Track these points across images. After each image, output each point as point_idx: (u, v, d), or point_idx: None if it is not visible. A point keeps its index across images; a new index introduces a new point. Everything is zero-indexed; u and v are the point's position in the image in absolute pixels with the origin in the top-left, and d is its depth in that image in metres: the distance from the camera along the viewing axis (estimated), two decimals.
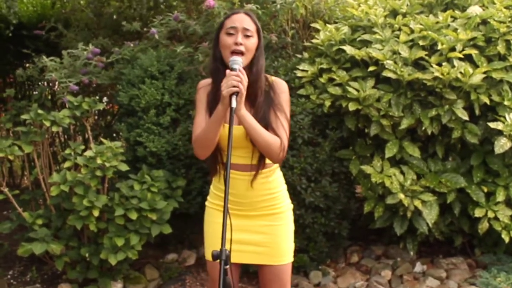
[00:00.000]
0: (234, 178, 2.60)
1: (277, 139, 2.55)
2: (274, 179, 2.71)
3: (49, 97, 5.94)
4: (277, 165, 2.72)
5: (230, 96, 2.40)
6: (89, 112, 4.39)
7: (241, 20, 2.57)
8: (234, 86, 2.38)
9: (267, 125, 2.57)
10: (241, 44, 2.53)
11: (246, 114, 2.49)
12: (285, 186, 2.79)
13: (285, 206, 2.76)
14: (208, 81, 2.73)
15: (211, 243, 2.72)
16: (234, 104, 2.40)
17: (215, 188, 2.77)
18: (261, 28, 2.64)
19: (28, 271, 4.48)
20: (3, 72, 6.46)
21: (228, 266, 2.27)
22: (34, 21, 5.89)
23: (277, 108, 2.62)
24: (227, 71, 2.45)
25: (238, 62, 2.49)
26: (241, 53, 2.53)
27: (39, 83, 5.80)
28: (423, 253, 4.64)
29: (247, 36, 2.55)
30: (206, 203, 2.83)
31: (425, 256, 4.58)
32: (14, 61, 6.18)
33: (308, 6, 4.80)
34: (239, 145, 2.58)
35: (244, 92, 2.41)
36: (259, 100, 2.60)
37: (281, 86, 2.68)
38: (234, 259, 2.57)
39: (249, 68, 2.60)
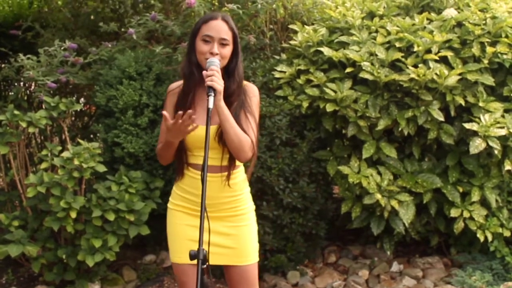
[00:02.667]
0: (198, 179, 2.59)
1: (248, 138, 2.57)
2: (239, 181, 2.73)
3: (25, 97, 5.89)
4: (241, 167, 2.74)
5: (208, 96, 2.42)
6: (66, 113, 4.36)
7: (218, 30, 2.57)
8: (211, 82, 2.43)
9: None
10: (217, 54, 2.56)
11: (224, 106, 2.51)
12: (248, 188, 2.81)
13: (249, 207, 2.78)
14: (177, 83, 2.75)
15: (179, 245, 2.70)
16: (211, 105, 2.42)
17: (179, 189, 2.76)
18: (237, 32, 2.64)
19: (4, 273, 4.42)
20: None
21: (205, 266, 2.29)
22: (10, 20, 5.82)
23: (247, 111, 2.64)
24: (203, 72, 2.48)
25: (216, 64, 2.51)
26: None
27: (15, 84, 5.75)
28: (400, 252, 4.69)
29: (223, 45, 2.58)
30: (169, 204, 2.81)
31: (402, 256, 4.64)
32: None
33: (288, 7, 4.82)
34: (209, 145, 2.58)
35: (221, 86, 2.45)
36: (234, 106, 2.62)
37: (253, 90, 2.71)
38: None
39: (227, 76, 2.62)
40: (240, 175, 2.75)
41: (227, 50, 2.59)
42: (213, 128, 2.56)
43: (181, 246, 2.67)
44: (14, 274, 4.39)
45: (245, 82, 2.72)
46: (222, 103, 2.49)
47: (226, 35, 2.57)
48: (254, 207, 2.82)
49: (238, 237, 2.72)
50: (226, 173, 2.66)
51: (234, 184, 2.69)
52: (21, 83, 5.75)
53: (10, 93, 6.08)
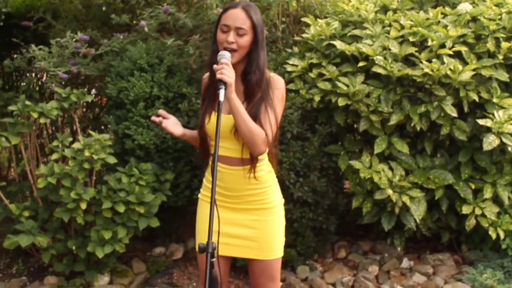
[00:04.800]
0: (221, 171, 2.60)
1: (262, 131, 2.55)
2: (264, 174, 2.70)
3: (37, 88, 5.90)
4: (265, 160, 2.72)
5: (218, 88, 2.42)
6: (77, 104, 4.36)
7: (235, 18, 2.55)
8: (220, 75, 2.43)
9: (256, 119, 2.57)
10: (232, 42, 2.54)
11: (236, 98, 2.50)
12: (275, 181, 2.79)
13: (276, 201, 2.76)
14: None
15: (201, 236, 2.71)
16: (222, 98, 2.42)
17: (206, 180, 2.81)
18: (258, 21, 2.59)
19: (14, 263, 4.44)
20: None
21: (214, 259, 2.28)
22: (22, 11, 5.81)
23: (268, 104, 2.61)
24: (214, 65, 2.48)
25: (226, 57, 2.50)
26: (233, 50, 2.54)
27: (27, 74, 5.75)
28: (410, 249, 4.66)
29: (240, 34, 2.54)
30: (199, 195, 2.85)
31: (412, 252, 4.61)
32: (2, 52, 6.10)
33: (300, 0, 4.79)
34: (224, 135, 2.58)
35: (232, 82, 2.44)
36: (256, 98, 2.61)
37: (278, 82, 2.67)
38: (222, 252, 2.58)
39: (249, 65, 2.61)
40: (265, 168, 2.73)
41: (245, 40, 2.56)
42: (230, 119, 2.55)
43: (205, 236, 2.64)
44: (24, 264, 4.40)
45: (271, 74, 2.69)
46: (234, 95, 2.48)
47: (243, 24, 2.54)
48: (283, 200, 2.81)
49: (262, 231, 2.71)
50: (248, 166, 2.64)
51: (258, 177, 2.67)
52: (33, 74, 5.77)
53: (22, 84, 6.09)
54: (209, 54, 2.71)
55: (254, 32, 2.57)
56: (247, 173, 2.64)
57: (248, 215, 2.69)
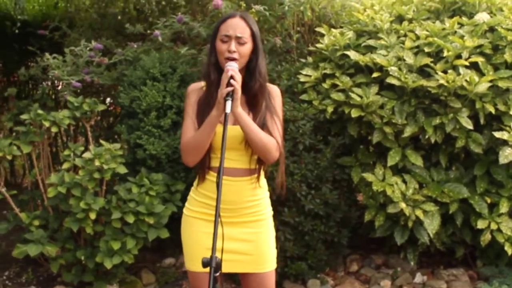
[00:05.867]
0: (223, 183, 2.53)
1: (273, 139, 2.55)
2: (262, 184, 2.68)
3: (53, 96, 5.93)
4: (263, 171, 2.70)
5: (225, 100, 2.37)
6: (91, 113, 4.36)
7: (235, 28, 2.53)
8: (229, 86, 2.38)
9: (263, 128, 2.56)
10: (234, 51, 2.52)
11: (242, 112, 2.48)
12: (268, 193, 2.75)
13: (267, 213, 2.73)
14: (199, 84, 2.70)
15: (195, 253, 2.63)
16: (228, 109, 2.38)
17: (197, 195, 2.69)
18: (257, 30, 2.58)
19: (24, 272, 4.43)
20: (7, 71, 6.44)
21: (218, 274, 2.23)
22: (39, 20, 5.87)
23: (272, 112, 2.62)
24: (223, 76, 2.44)
25: (234, 67, 2.46)
26: (234, 59, 2.52)
27: (43, 83, 5.78)
28: (424, 263, 4.56)
29: (241, 43, 2.53)
30: (185, 211, 2.73)
31: (426, 267, 4.50)
32: (19, 60, 6.15)
33: (315, 9, 4.75)
34: (232, 146, 2.55)
35: (239, 92, 2.41)
36: (261, 107, 2.60)
37: (275, 91, 2.70)
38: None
39: (249, 74, 2.58)
40: (262, 177, 2.71)
41: (245, 48, 2.54)
42: (238, 130, 2.52)
43: (198, 254, 2.54)
44: (34, 274, 4.40)
45: (267, 84, 2.67)
46: (240, 110, 2.45)
47: (243, 33, 2.53)
48: (272, 212, 2.76)
49: (257, 243, 2.67)
50: (255, 175, 2.62)
51: (257, 188, 2.65)
52: (49, 83, 5.79)
53: (37, 92, 6.12)
54: (205, 66, 2.67)
55: (253, 41, 2.57)
56: (252, 183, 2.61)
57: (243, 228, 2.64)
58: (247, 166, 2.61)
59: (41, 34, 5.25)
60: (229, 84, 2.39)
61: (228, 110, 2.38)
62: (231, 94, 2.39)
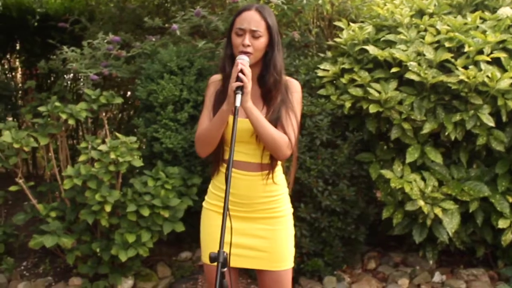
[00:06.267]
0: (235, 177, 2.52)
1: (284, 136, 2.49)
2: (278, 180, 2.62)
3: (74, 89, 5.96)
4: (279, 166, 2.64)
5: (235, 94, 2.34)
6: (110, 106, 4.35)
7: (250, 21, 2.49)
8: (238, 80, 2.34)
9: (277, 123, 2.51)
10: (248, 45, 2.48)
11: (252, 107, 2.43)
12: (287, 190, 2.70)
13: (286, 210, 2.67)
14: (219, 76, 2.68)
15: (210, 246, 2.62)
16: (238, 103, 2.35)
17: (214, 188, 2.68)
18: (273, 23, 2.54)
19: (42, 263, 4.47)
20: (30, 64, 6.50)
21: (225, 269, 2.20)
22: (61, 13, 5.90)
23: (289, 108, 2.56)
24: (233, 70, 2.41)
25: (245, 61, 2.43)
26: (249, 54, 2.48)
27: (65, 75, 5.81)
28: (444, 262, 4.47)
29: (256, 37, 2.49)
30: (204, 203, 2.73)
31: (446, 266, 4.42)
32: (41, 53, 6.19)
33: (335, 3, 4.68)
34: (243, 139, 2.51)
35: (249, 86, 2.37)
36: (276, 102, 2.55)
37: (295, 86, 2.63)
38: (232, 263, 2.50)
39: (265, 67, 2.55)
40: (279, 174, 2.65)
41: (260, 42, 2.50)
42: (248, 123, 2.48)
43: (213, 247, 2.54)
44: (51, 265, 4.43)
45: (287, 78, 2.63)
46: (250, 104, 2.41)
47: (258, 26, 2.48)
48: (292, 210, 2.72)
49: (273, 241, 2.62)
50: (266, 171, 2.57)
51: (272, 184, 2.60)
52: (70, 76, 5.83)
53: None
54: (222, 58, 2.64)
55: (269, 34, 2.51)
56: (265, 179, 2.57)
57: (258, 224, 2.60)
58: (259, 160, 2.57)
59: (62, 27, 5.27)
60: (238, 79, 2.36)
61: (237, 103, 2.35)
62: (241, 88, 2.36)
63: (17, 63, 6.87)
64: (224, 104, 2.43)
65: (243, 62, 2.41)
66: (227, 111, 2.43)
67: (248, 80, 2.36)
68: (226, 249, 2.19)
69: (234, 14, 2.60)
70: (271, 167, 2.58)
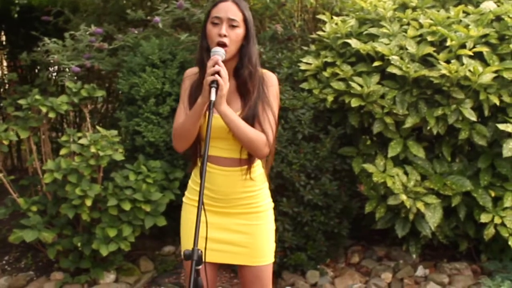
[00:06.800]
0: (213, 173, 2.50)
1: (261, 135, 2.45)
2: (257, 175, 2.60)
3: (58, 82, 5.90)
4: (259, 162, 2.61)
5: (210, 87, 2.30)
6: (91, 99, 4.32)
7: (227, 10, 2.45)
8: (212, 74, 2.28)
9: (254, 120, 2.47)
10: (225, 35, 2.42)
11: (227, 110, 2.37)
12: (266, 184, 2.67)
13: (266, 205, 2.64)
14: (194, 69, 2.62)
15: (187, 242, 2.61)
16: (213, 97, 2.30)
17: (193, 183, 2.66)
18: (249, 15, 2.50)
19: (24, 257, 4.44)
20: (13, 56, 6.44)
21: (200, 267, 2.18)
22: (44, 4, 5.83)
23: (265, 102, 2.51)
24: (208, 63, 2.35)
25: (220, 53, 2.38)
26: (224, 45, 2.43)
27: (49, 68, 5.75)
28: (427, 256, 4.47)
29: (233, 27, 2.44)
30: (184, 198, 2.71)
31: (429, 260, 4.42)
32: (24, 45, 6.13)
33: None
34: (220, 136, 2.47)
35: (225, 85, 2.31)
36: (253, 96, 2.50)
37: (271, 79, 2.57)
38: (212, 258, 2.49)
39: (240, 60, 2.50)
40: (258, 169, 2.62)
41: (237, 34, 2.44)
42: None
43: (191, 243, 2.53)
44: (33, 259, 4.40)
45: (264, 71, 2.58)
46: (224, 107, 2.35)
47: (235, 16, 2.43)
48: (272, 205, 2.69)
49: (253, 236, 2.60)
50: (245, 167, 2.53)
51: (250, 179, 2.57)
52: (55, 68, 5.77)
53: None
54: (198, 51, 2.60)
55: (246, 26, 2.47)
56: (244, 174, 2.54)
57: (238, 219, 2.58)
58: (237, 156, 2.53)
59: (45, 19, 5.21)
60: (214, 74, 2.31)
61: (213, 97, 2.30)
62: (216, 82, 2.32)
63: (1, 56, 6.81)
64: (200, 97, 2.38)
65: (218, 53, 2.37)
66: (202, 104, 2.36)
67: (224, 83, 2.30)
68: (202, 244, 2.16)
69: (211, 5, 2.56)
70: (249, 162, 2.55)
